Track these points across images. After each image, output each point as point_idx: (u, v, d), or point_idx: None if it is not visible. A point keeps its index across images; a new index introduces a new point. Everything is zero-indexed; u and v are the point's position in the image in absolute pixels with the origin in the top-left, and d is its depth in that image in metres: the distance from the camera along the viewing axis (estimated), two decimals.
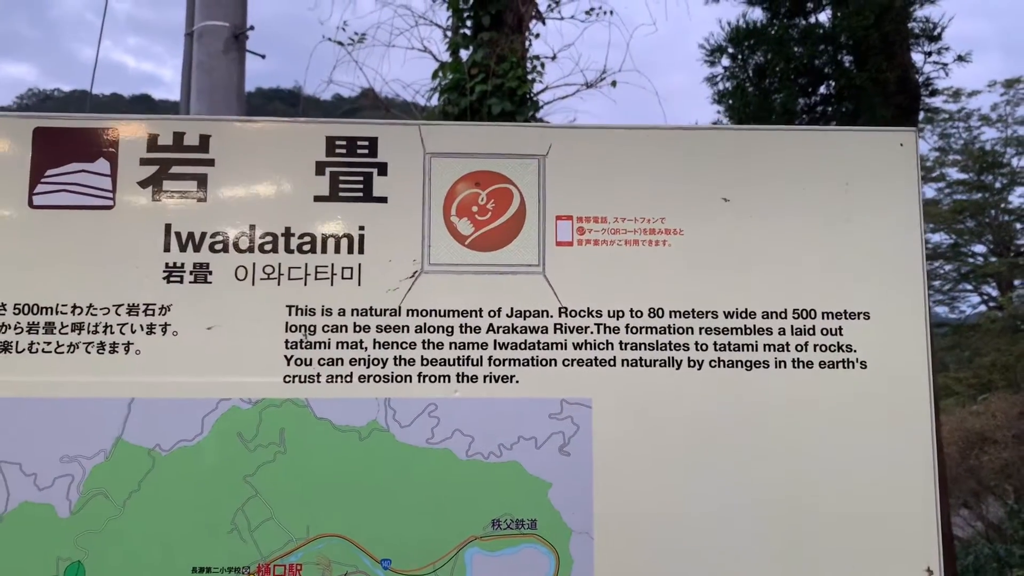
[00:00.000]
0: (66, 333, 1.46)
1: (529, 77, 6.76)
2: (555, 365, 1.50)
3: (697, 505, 1.49)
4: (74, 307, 1.47)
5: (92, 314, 1.47)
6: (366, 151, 1.53)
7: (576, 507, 1.47)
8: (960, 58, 5.96)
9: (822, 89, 6.00)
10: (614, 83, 7.25)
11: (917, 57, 5.90)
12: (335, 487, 1.45)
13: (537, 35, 7.07)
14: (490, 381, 1.49)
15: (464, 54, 6.81)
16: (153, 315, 1.47)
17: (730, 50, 6.16)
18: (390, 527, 1.45)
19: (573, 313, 1.51)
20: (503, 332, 1.50)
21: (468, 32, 6.78)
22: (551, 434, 1.48)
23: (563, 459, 1.47)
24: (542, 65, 7.04)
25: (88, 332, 1.46)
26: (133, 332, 1.47)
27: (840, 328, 1.54)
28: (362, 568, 1.44)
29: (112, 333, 1.47)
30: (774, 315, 1.53)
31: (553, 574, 1.45)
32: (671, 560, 1.47)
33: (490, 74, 6.44)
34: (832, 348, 1.53)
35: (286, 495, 1.45)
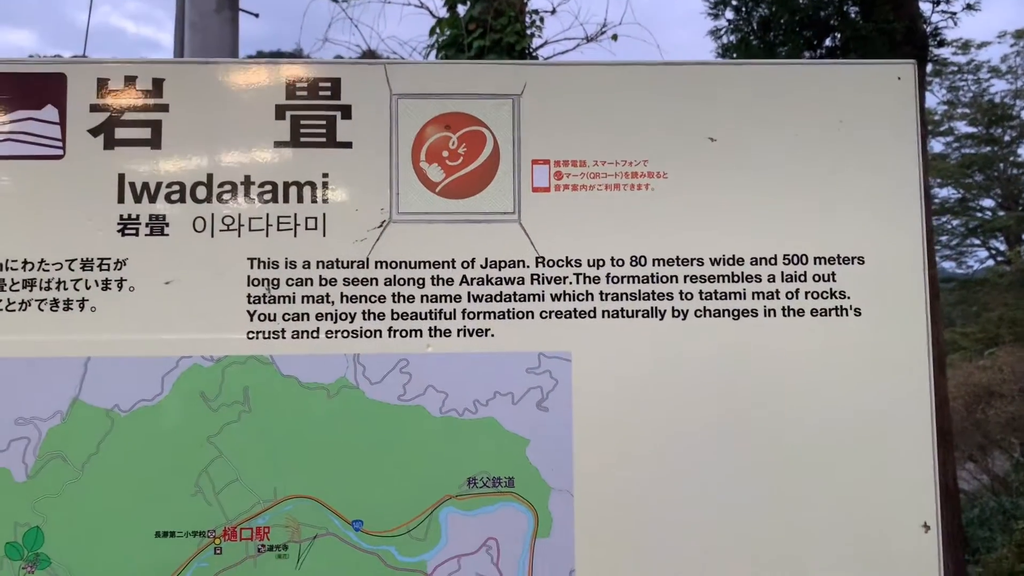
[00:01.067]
0: (17, 290, 1.39)
1: (528, 32, 6.60)
2: (532, 317, 1.43)
3: (682, 460, 1.42)
4: (25, 263, 1.40)
5: (44, 270, 1.40)
6: (328, 93, 1.44)
7: (555, 464, 1.41)
8: (969, 7, 5.79)
9: (828, 41, 5.86)
10: (615, 37, 7.08)
11: (925, 7, 5.75)
12: (303, 447, 1.39)
13: None
14: (464, 335, 1.42)
15: (461, 9, 6.65)
16: (108, 270, 1.40)
17: (734, 2, 6.01)
18: (361, 487, 1.39)
19: (551, 263, 1.44)
20: (477, 284, 1.43)
21: None
22: (528, 389, 1.41)
23: (541, 415, 1.41)
24: (541, 19, 6.88)
25: (40, 289, 1.39)
26: (87, 288, 1.40)
27: (833, 274, 1.46)
28: (332, 530, 1.38)
29: (66, 289, 1.40)
30: (763, 261, 1.45)
31: (532, 532, 1.40)
32: (655, 517, 1.41)
33: (488, 29, 6.29)
34: (824, 295, 1.45)
35: (252, 456, 1.39)
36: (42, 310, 1.39)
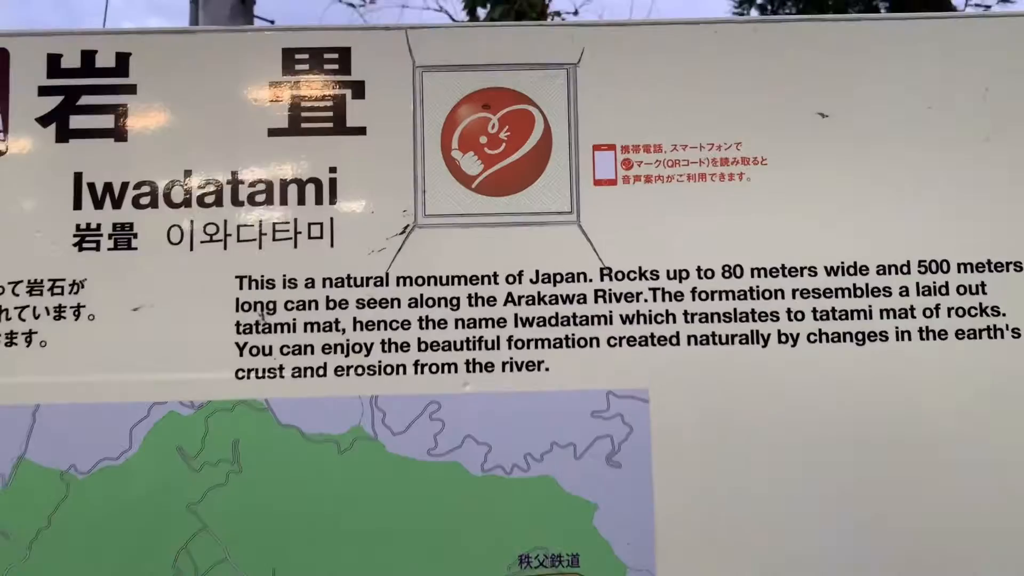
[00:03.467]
0: None
1: None
2: (597, 345, 1.13)
3: (793, 529, 1.11)
4: None
5: None
6: (336, 67, 1.16)
7: (631, 536, 1.10)
8: None
9: None
10: None
11: None
12: (308, 516, 1.10)
13: None
14: (511, 369, 1.13)
15: (481, 13, 6.45)
16: (62, 294, 1.13)
17: None
18: (383, 568, 1.10)
19: (620, 275, 1.14)
20: (526, 303, 1.14)
21: None
22: (595, 439, 1.11)
23: (612, 472, 1.11)
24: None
25: None
26: (36, 317, 1.12)
27: (982, 284, 1.15)
28: None
29: (9, 320, 1.12)
30: (893, 270, 1.14)
31: None
32: None
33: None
34: (973, 312, 1.14)
35: (243, 528, 1.10)
36: None
